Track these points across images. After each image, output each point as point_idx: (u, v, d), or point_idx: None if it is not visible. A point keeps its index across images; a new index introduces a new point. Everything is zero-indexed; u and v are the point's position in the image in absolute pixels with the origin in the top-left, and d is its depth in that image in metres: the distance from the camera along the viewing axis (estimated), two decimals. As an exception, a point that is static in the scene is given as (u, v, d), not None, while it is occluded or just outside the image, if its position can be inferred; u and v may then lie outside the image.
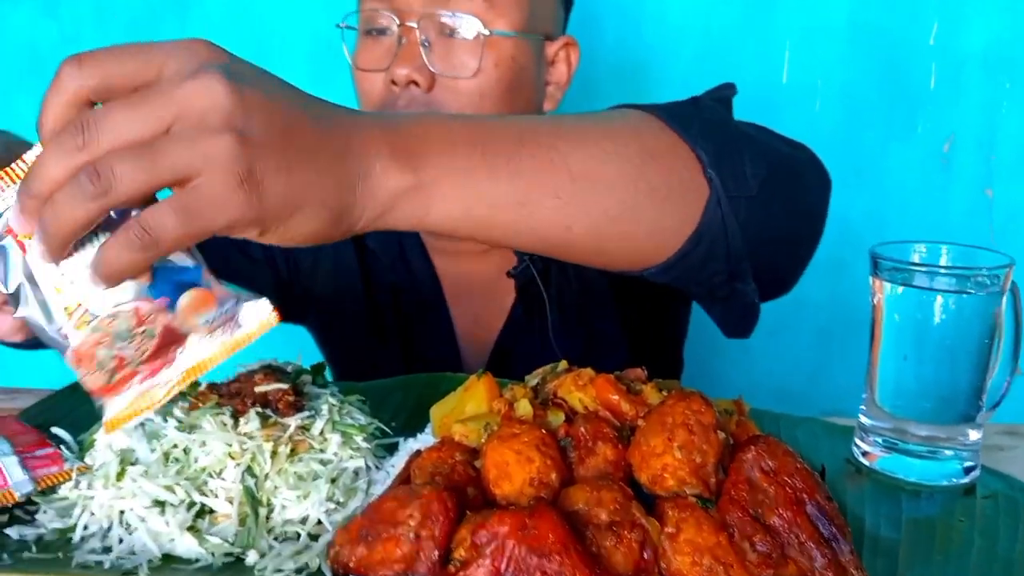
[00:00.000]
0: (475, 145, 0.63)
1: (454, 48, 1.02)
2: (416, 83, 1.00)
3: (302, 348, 0.93)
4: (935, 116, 1.67)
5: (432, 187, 0.60)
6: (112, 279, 0.53)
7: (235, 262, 1.14)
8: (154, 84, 0.52)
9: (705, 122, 0.76)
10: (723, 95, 0.89)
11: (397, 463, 0.73)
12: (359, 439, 0.72)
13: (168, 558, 0.63)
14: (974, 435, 0.78)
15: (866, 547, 0.66)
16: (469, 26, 1.01)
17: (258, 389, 0.72)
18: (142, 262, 0.52)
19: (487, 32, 1.01)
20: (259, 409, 0.71)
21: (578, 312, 1.15)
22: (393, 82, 1.01)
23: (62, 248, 0.53)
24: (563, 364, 0.75)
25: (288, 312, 1.24)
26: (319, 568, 0.62)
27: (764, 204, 0.76)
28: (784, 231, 0.83)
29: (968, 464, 0.78)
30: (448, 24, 1.01)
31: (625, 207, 0.70)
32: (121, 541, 0.64)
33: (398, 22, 1.01)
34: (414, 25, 1.01)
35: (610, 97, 1.74)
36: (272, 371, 0.75)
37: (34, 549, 0.64)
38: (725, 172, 0.73)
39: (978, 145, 1.68)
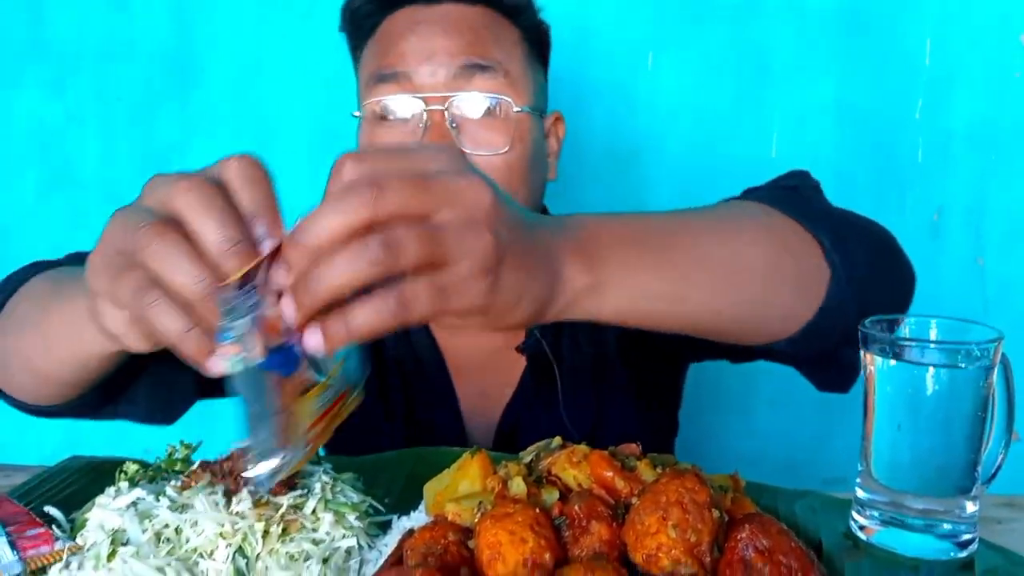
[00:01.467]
0: (634, 244, 0.70)
1: (481, 127, 1.05)
2: None
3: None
4: (923, 188, 1.70)
5: (606, 286, 0.67)
6: (359, 336, 0.55)
7: None
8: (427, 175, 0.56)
9: (818, 211, 0.85)
10: (813, 183, 0.97)
11: (390, 542, 0.72)
12: (352, 518, 0.72)
13: (158, 642, 0.62)
14: (971, 507, 0.78)
15: (865, 625, 0.65)
16: (496, 103, 1.04)
17: (251, 467, 0.72)
18: (389, 325, 0.55)
19: (517, 109, 1.05)
20: (251, 488, 0.70)
21: (589, 380, 1.15)
22: None
23: (317, 307, 0.55)
24: (557, 440, 0.75)
25: None
26: (310, 652, 0.61)
27: (872, 282, 0.83)
28: (888, 301, 0.88)
29: (966, 537, 0.77)
30: (474, 103, 1.04)
31: (763, 293, 0.78)
32: (110, 624, 0.63)
33: (422, 106, 1.03)
34: (440, 107, 1.03)
35: (604, 177, 1.78)
36: (265, 449, 0.74)
37: (21, 633, 0.63)
38: (842, 256, 0.81)
39: (967, 215, 1.70)
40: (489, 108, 1.04)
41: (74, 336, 0.76)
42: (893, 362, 0.78)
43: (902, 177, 1.70)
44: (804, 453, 1.79)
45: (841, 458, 1.73)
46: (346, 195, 0.54)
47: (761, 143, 1.70)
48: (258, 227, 0.58)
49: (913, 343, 0.78)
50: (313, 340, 0.55)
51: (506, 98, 1.04)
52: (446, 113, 1.03)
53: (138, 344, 0.63)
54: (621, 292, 0.68)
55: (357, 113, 1.11)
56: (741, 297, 0.76)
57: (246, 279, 0.57)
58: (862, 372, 0.81)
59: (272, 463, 0.60)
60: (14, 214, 1.80)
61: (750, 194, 0.91)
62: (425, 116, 1.03)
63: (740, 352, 1.09)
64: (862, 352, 0.80)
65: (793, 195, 0.89)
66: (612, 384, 1.17)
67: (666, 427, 1.28)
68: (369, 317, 0.54)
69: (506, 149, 1.04)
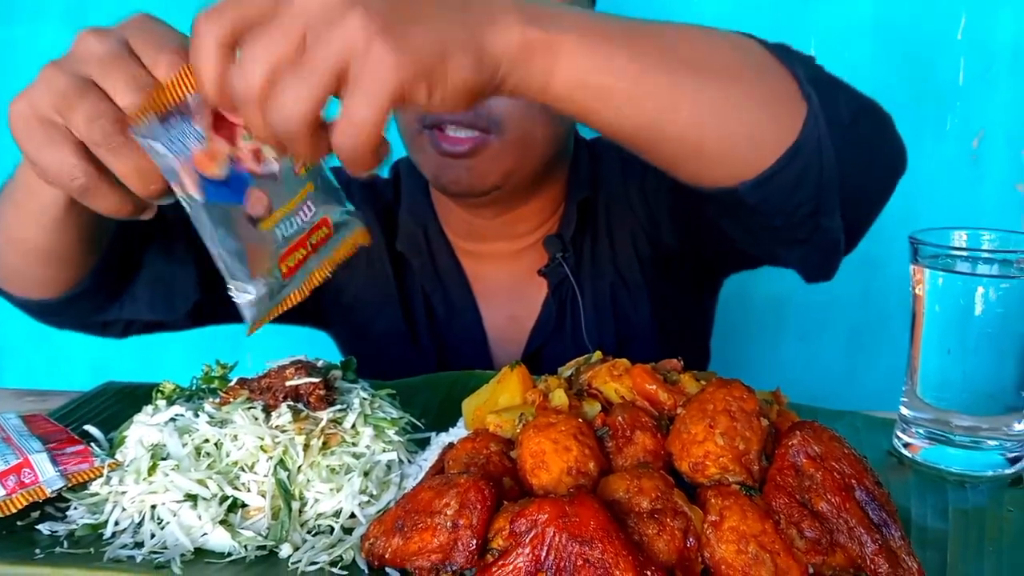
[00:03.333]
0: (596, 21, 0.66)
1: None
2: None
3: (325, 354, 0.93)
4: (964, 112, 1.64)
5: (558, 45, 0.62)
6: (286, 121, 0.54)
7: None
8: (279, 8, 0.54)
9: (800, 57, 0.77)
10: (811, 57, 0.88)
11: (429, 457, 0.72)
12: (391, 432, 0.71)
13: (200, 552, 0.62)
14: (1019, 425, 0.76)
15: (914, 538, 0.64)
16: None
17: (289, 383, 0.71)
18: (362, 151, 0.55)
19: None
20: (291, 403, 0.70)
21: (612, 305, 1.14)
22: None
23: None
24: (597, 355, 0.74)
25: (316, 314, 1.23)
26: (354, 560, 0.61)
27: (855, 135, 0.75)
28: (871, 167, 0.82)
29: (1013, 454, 0.76)
30: None
31: (728, 103, 0.70)
32: (153, 536, 0.63)
33: None
34: None
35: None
36: (303, 366, 0.74)
37: (66, 544, 0.63)
38: (821, 96, 0.73)
39: (1008, 140, 1.65)
40: None
41: (32, 201, 0.76)
42: (941, 280, 0.76)
43: (942, 100, 1.64)
44: (834, 386, 1.78)
45: (871, 391, 1.72)
46: (246, 59, 0.54)
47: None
48: (161, 68, 0.60)
49: (965, 252, 0.76)
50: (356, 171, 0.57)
51: None
52: None
53: (79, 193, 0.64)
54: (575, 57, 0.62)
55: None
56: (705, 99, 0.69)
57: (165, 116, 0.59)
58: (911, 288, 0.79)
59: (250, 295, 0.60)
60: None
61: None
62: None
63: (742, 257, 1.06)
64: (911, 266, 0.78)
65: (782, 45, 0.80)
66: (636, 310, 1.16)
67: (695, 354, 1.26)
68: (292, 91, 0.53)
69: None
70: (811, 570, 0.55)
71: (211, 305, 1.01)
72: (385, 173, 1.25)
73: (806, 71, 0.74)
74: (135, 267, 0.94)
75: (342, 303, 1.21)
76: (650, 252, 1.15)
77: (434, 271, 1.17)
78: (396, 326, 1.18)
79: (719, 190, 0.75)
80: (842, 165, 0.74)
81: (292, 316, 1.22)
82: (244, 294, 0.60)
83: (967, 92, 1.63)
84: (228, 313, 1.10)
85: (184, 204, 0.60)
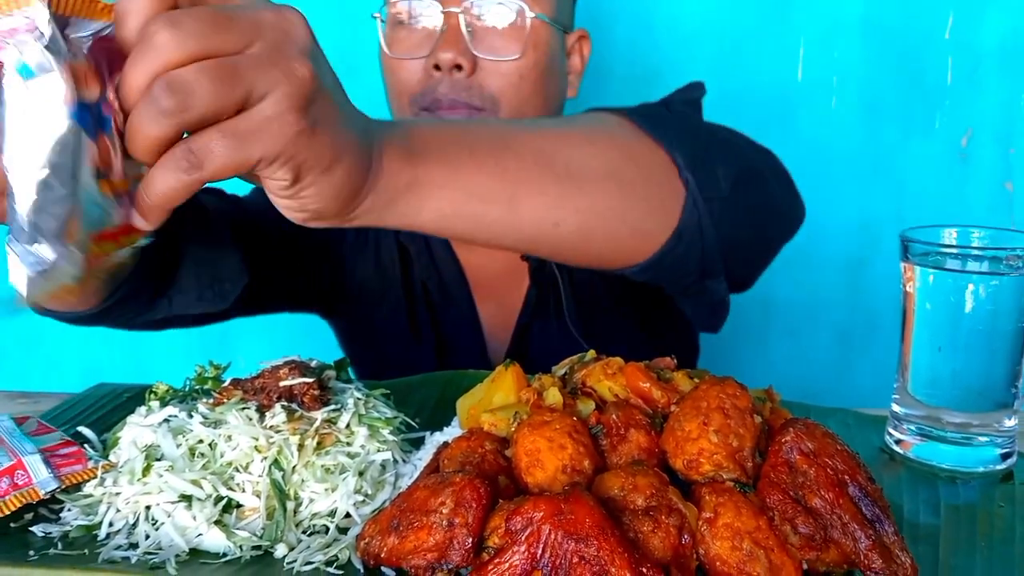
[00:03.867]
0: (463, 146, 0.66)
1: (496, 32, 1.04)
2: (460, 67, 1.02)
3: (320, 353, 0.93)
4: (953, 111, 1.66)
5: (426, 183, 0.63)
6: (165, 203, 0.52)
7: (297, 236, 1.09)
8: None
9: (678, 126, 0.80)
10: (692, 96, 0.94)
11: (424, 456, 0.72)
12: (385, 432, 0.71)
13: (196, 552, 0.62)
14: (1009, 421, 0.77)
15: (906, 534, 0.64)
16: (511, 11, 1.04)
17: (283, 383, 0.71)
18: (187, 185, 0.51)
19: (531, 15, 1.04)
20: (285, 403, 0.70)
21: (591, 293, 1.15)
22: (436, 67, 1.03)
23: (147, 160, 0.51)
24: (591, 354, 0.74)
25: (324, 301, 1.23)
26: (349, 560, 0.61)
27: (734, 204, 0.79)
28: (752, 230, 0.86)
29: (1004, 450, 0.76)
30: (489, 10, 1.04)
31: (608, 206, 0.72)
32: (148, 537, 0.63)
33: (440, 9, 1.03)
34: (457, 10, 1.03)
35: (623, 100, 1.74)
36: (296, 366, 0.74)
37: (60, 546, 0.63)
38: (699, 175, 0.76)
39: (997, 139, 1.66)
40: (504, 14, 1.04)
41: None
42: (932, 277, 0.76)
43: (931, 100, 1.66)
44: (824, 384, 1.79)
45: (861, 389, 1.73)
46: (143, 45, 0.49)
47: (786, 65, 1.65)
48: None
49: (955, 250, 0.76)
50: (139, 221, 0.53)
51: (522, 4, 1.04)
52: (461, 18, 1.03)
53: None
54: (444, 193, 0.63)
55: (377, 15, 1.11)
56: (584, 207, 0.70)
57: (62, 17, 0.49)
58: (901, 286, 0.79)
59: (48, 258, 0.49)
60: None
61: (621, 110, 0.86)
62: (441, 20, 1.03)
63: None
64: (902, 264, 0.78)
65: (657, 109, 0.85)
66: (615, 296, 1.17)
67: (683, 347, 1.27)
68: (164, 181, 0.51)
69: (517, 56, 1.04)
70: (805, 566, 0.55)
71: (260, 287, 1.00)
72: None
73: (685, 148, 0.76)
74: (176, 260, 0.89)
75: (348, 291, 1.22)
76: None
77: (431, 260, 1.18)
78: (398, 316, 1.19)
79: (610, 272, 0.79)
80: (725, 233, 0.79)
81: (297, 302, 1.23)
82: (39, 255, 0.49)
83: (955, 91, 1.65)
84: (262, 300, 1.11)
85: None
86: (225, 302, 0.95)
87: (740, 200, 0.80)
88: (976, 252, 0.76)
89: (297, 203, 0.57)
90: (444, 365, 1.07)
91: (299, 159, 0.53)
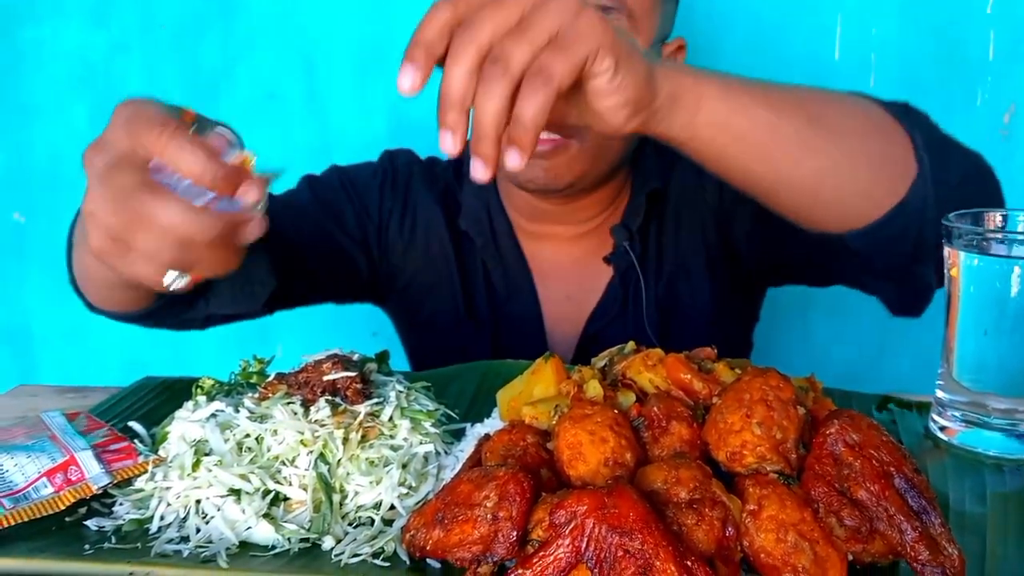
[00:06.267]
0: (735, 77, 0.73)
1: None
2: None
3: (358, 346, 0.94)
4: (995, 87, 1.62)
5: (703, 88, 0.70)
6: (540, 125, 0.59)
7: (331, 233, 1.18)
8: None
9: (919, 117, 0.84)
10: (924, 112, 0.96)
11: (466, 448, 0.73)
12: (428, 424, 0.72)
13: (245, 545, 0.63)
14: (1057, 407, 0.76)
15: (952, 522, 0.64)
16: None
17: (327, 378, 0.72)
18: (549, 98, 0.59)
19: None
20: (328, 397, 0.71)
21: (672, 293, 1.17)
22: None
23: (495, 141, 0.59)
24: (631, 345, 0.74)
25: (372, 292, 1.26)
26: (395, 552, 0.62)
27: (960, 195, 0.81)
28: None
29: (1052, 437, 0.75)
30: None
31: (847, 160, 0.77)
32: (198, 530, 0.64)
33: None
34: None
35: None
36: (339, 360, 0.75)
37: (113, 540, 0.65)
38: (934, 158, 0.79)
39: (1040, 115, 1.62)
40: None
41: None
42: (977, 261, 0.75)
43: (972, 76, 1.62)
44: (864, 368, 1.76)
45: (903, 372, 1.71)
46: (464, 34, 0.58)
47: (823, 43, 1.63)
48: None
49: (1000, 235, 0.75)
50: (513, 159, 0.60)
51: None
52: None
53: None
54: (718, 101, 0.70)
55: None
56: (823, 154, 0.76)
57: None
58: (945, 271, 0.78)
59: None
60: (67, 143, 1.81)
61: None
62: None
63: (820, 273, 1.11)
64: (946, 249, 0.77)
65: (901, 105, 0.88)
66: (695, 299, 1.18)
67: (741, 343, 1.28)
68: (533, 104, 0.58)
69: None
70: (851, 558, 0.55)
71: (289, 289, 1.06)
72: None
73: (923, 134, 0.81)
74: None
75: (399, 282, 1.24)
76: (717, 242, 1.18)
77: (495, 248, 1.20)
78: (454, 303, 1.21)
79: (827, 234, 0.83)
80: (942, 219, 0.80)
81: (349, 294, 1.25)
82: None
83: (997, 67, 1.61)
84: (298, 297, 1.14)
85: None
86: (256, 303, 1.01)
87: (966, 193, 0.82)
88: (1021, 237, 0.75)
89: (620, 94, 0.64)
90: (500, 354, 1.08)
91: (614, 49, 0.61)
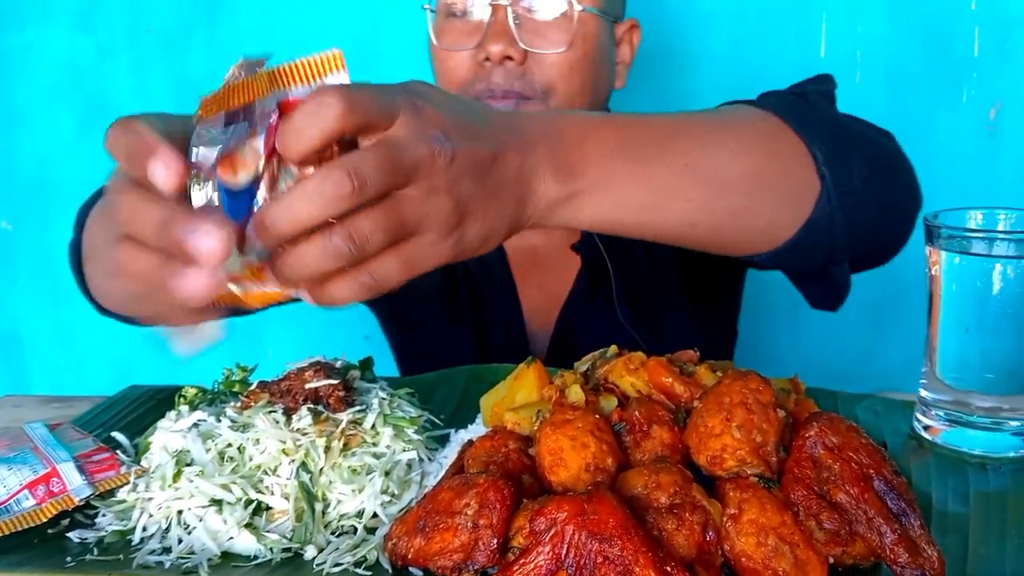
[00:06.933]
0: (620, 153, 0.69)
1: (544, 24, 1.06)
2: (510, 58, 1.04)
3: (346, 348, 0.94)
4: (980, 83, 1.62)
5: (582, 196, 0.67)
6: (339, 304, 0.56)
7: None
8: (392, 137, 0.54)
9: (819, 121, 0.81)
10: (827, 89, 0.93)
11: (449, 454, 0.72)
12: (411, 431, 0.72)
13: (227, 556, 0.63)
14: (1040, 405, 0.76)
15: (934, 523, 0.64)
16: (561, 2, 1.05)
17: (309, 386, 0.72)
18: (366, 296, 0.56)
19: (579, 8, 1.05)
20: (311, 405, 0.71)
21: (642, 282, 1.16)
22: (486, 59, 1.05)
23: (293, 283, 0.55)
24: (613, 349, 0.74)
25: None
26: (377, 560, 0.61)
27: (866, 200, 0.80)
28: (880, 223, 0.87)
29: (1036, 435, 0.75)
30: (539, 1, 1.05)
31: (746, 205, 0.75)
32: (180, 541, 0.64)
33: (487, 1, 1.05)
34: (505, 3, 1.04)
35: (641, 79, 1.72)
36: (321, 368, 0.75)
37: (95, 551, 0.64)
38: (835, 170, 0.78)
39: (1027, 111, 1.63)
40: (551, 6, 1.05)
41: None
42: (959, 259, 0.75)
43: (957, 72, 1.62)
44: (853, 363, 1.77)
45: (892, 368, 1.71)
46: (324, 182, 0.51)
47: (809, 42, 1.63)
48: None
49: (981, 234, 0.75)
50: (305, 297, 0.56)
51: None
52: (509, 10, 1.04)
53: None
54: (597, 202, 0.67)
55: (427, 6, 1.12)
56: (721, 208, 0.74)
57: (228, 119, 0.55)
58: (927, 270, 0.78)
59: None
60: (54, 149, 1.80)
61: (763, 97, 0.87)
62: (489, 12, 1.04)
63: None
64: (927, 248, 0.77)
65: (798, 102, 0.85)
66: (668, 285, 1.18)
67: (725, 332, 1.28)
68: (346, 291, 0.55)
69: (564, 48, 1.05)
70: (831, 561, 0.55)
71: None
72: None
73: (823, 141, 0.78)
74: None
75: None
76: None
77: None
78: (439, 302, 1.20)
79: (736, 258, 0.82)
80: (853, 225, 0.79)
81: None
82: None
83: (983, 63, 1.61)
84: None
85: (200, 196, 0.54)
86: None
87: (871, 194, 0.81)
88: (1002, 235, 0.75)
89: (474, 247, 0.61)
90: (484, 350, 1.08)
91: (455, 256, 0.59)
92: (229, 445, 0.68)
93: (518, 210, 0.63)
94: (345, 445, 0.68)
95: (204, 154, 0.54)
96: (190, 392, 0.80)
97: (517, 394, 0.70)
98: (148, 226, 0.54)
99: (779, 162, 0.77)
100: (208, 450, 0.68)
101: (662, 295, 1.17)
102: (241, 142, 0.53)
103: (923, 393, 0.80)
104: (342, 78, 0.55)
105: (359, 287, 0.55)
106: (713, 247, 0.80)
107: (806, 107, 0.84)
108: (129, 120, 0.56)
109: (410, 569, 0.60)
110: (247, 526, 0.64)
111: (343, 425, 0.69)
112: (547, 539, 0.53)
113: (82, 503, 0.68)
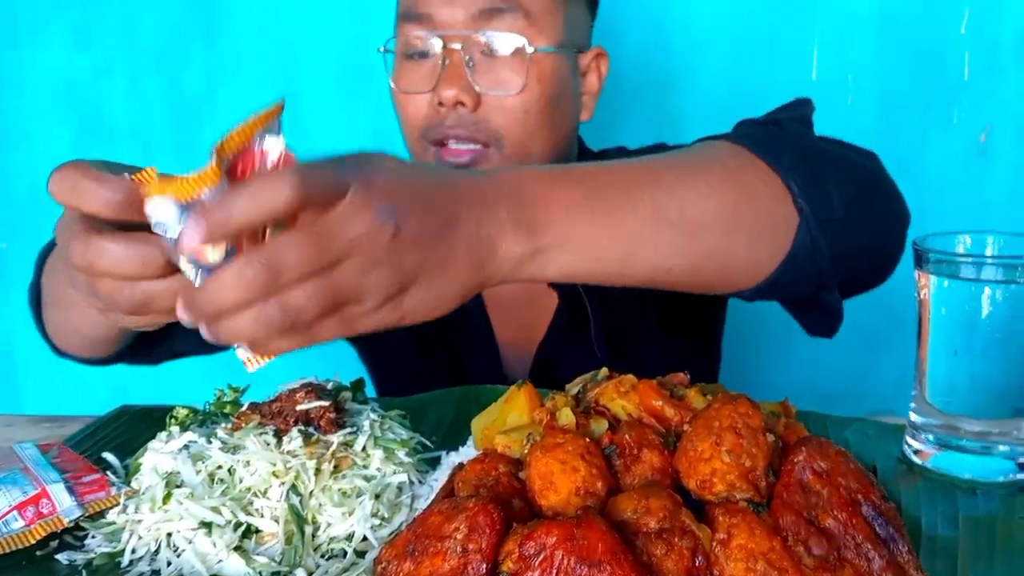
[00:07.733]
0: (584, 205, 0.68)
1: (498, 66, 1.04)
2: (463, 103, 1.03)
3: (339, 366, 0.94)
4: (970, 106, 1.64)
5: (548, 252, 0.66)
6: (267, 355, 0.57)
7: None
8: (329, 219, 0.54)
9: (794, 150, 0.79)
10: (803, 114, 0.93)
11: (440, 477, 0.72)
12: (401, 454, 0.72)
13: (216, 579, 0.63)
14: (1029, 429, 0.76)
15: (923, 547, 0.64)
16: (512, 44, 1.03)
17: (300, 407, 0.72)
18: (303, 346, 0.57)
19: (531, 49, 1.03)
20: (301, 427, 0.71)
21: (621, 317, 1.15)
22: (440, 103, 1.03)
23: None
24: (604, 372, 0.74)
25: None
26: (367, 584, 0.61)
27: (850, 225, 0.79)
28: (867, 246, 0.86)
29: (1024, 459, 0.75)
30: (491, 44, 1.04)
31: (721, 245, 0.74)
32: (169, 564, 0.64)
33: (441, 44, 1.04)
34: (457, 47, 1.03)
35: (634, 104, 1.73)
36: (313, 389, 0.75)
37: (84, 574, 0.64)
38: (814, 200, 0.77)
39: (1016, 133, 1.64)
40: (500, 48, 1.04)
41: (87, 317, 0.79)
42: (948, 282, 0.76)
43: (948, 95, 1.63)
44: (846, 386, 1.77)
45: (885, 390, 1.71)
46: (245, 269, 0.52)
47: (800, 65, 1.64)
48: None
49: (970, 258, 0.76)
50: (240, 353, 0.57)
51: (518, 36, 1.03)
52: (463, 52, 1.03)
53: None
54: (564, 257, 0.67)
55: (383, 48, 1.12)
56: (696, 251, 0.73)
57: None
58: (915, 294, 0.79)
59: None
60: (49, 167, 1.80)
61: (738, 127, 0.87)
62: (443, 55, 1.03)
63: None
64: (916, 272, 0.78)
65: (771, 133, 0.85)
66: (647, 320, 1.17)
67: (707, 354, 1.27)
68: (284, 344, 0.56)
69: (518, 91, 1.03)
70: (820, 586, 0.55)
71: None
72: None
73: (798, 174, 0.76)
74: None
75: None
76: None
77: None
78: (410, 335, 1.19)
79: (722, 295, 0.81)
80: (838, 252, 0.79)
81: None
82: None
83: (973, 86, 1.63)
84: None
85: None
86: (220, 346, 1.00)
87: (855, 218, 0.80)
88: (991, 260, 0.76)
89: (434, 313, 0.62)
90: (458, 383, 1.07)
91: (395, 322, 0.60)
92: (219, 467, 0.68)
93: (476, 272, 0.63)
94: (336, 467, 0.69)
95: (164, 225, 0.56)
96: (181, 413, 0.80)
97: (508, 417, 0.70)
98: (99, 254, 0.57)
99: (753, 199, 0.76)
100: (198, 472, 0.68)
101: (641, 330, 1.16)
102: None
103: (913, 417, 0.80)
104: (273, 132, 0.59)
105: (295, 341, 0.56)
106: (692, 287, 0.79)
107: (780, 137, 0.84)
108: (67, 163, 0.60)
109: (399, 593, 0.59)
110: (236, 549, 0.64)
111: (334, 447, 0.69)
112: (536, 564, 0.53)
113: (71, 524, 0.68)
